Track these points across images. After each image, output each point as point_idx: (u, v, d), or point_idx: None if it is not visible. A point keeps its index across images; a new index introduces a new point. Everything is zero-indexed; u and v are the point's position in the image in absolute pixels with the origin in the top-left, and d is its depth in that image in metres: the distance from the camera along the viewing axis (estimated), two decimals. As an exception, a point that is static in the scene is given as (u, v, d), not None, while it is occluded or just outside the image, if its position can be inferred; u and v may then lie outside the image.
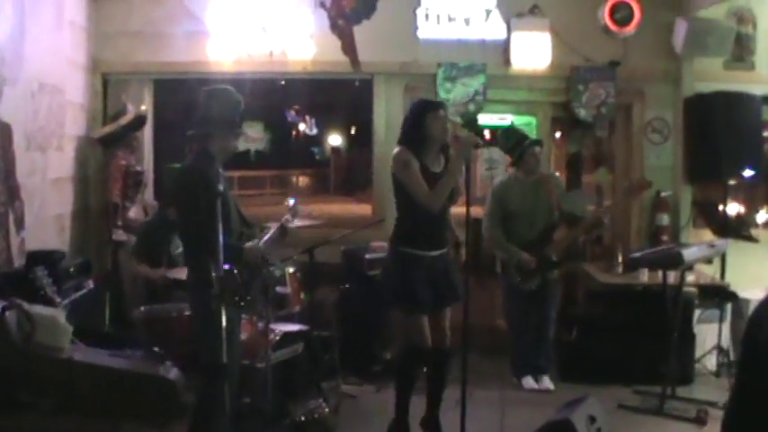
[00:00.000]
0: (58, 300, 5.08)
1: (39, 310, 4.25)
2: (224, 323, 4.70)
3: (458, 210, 5.68)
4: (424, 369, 5.81)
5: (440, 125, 5.57)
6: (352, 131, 32.59)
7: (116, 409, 3.93)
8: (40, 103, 6.53)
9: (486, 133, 8.36)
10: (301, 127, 9.64)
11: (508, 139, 7.29)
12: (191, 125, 5.23)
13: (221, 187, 4.87)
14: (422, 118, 5.58)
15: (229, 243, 4.85)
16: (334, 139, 35.17)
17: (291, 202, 5.79)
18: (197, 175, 4.97)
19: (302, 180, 35.97)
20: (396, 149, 5.66)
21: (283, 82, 9.41)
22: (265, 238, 5.36)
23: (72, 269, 6.06)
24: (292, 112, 9.67)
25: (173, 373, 4.13)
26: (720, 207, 8.10)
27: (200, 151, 5.15)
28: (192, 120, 5.22)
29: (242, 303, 4.96)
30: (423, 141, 5.57)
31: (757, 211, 8.87)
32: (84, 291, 6.08)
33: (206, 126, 5.13)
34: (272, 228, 5.50)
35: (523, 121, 8.34)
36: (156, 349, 5.39)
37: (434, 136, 5.56)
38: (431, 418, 5.78)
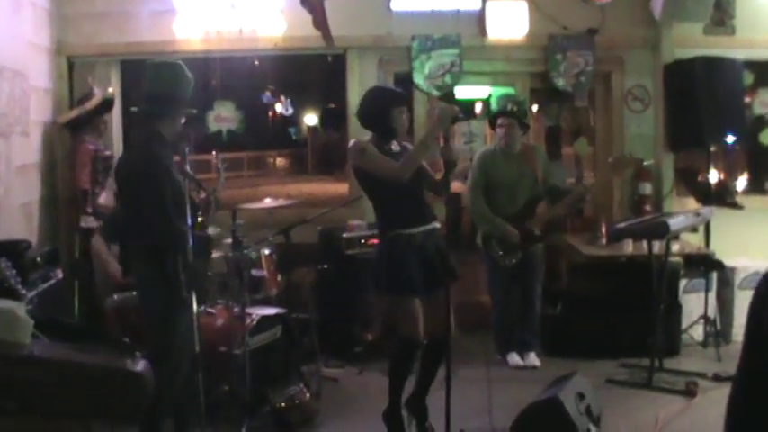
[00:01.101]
0: (23, 291, 4.89)
1: (-4, 303, 4.07)
2: (195, 311, 4.61)
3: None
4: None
5: (404, 120, 5.41)
6: (329, 110, 32.45)
7: (82, 407, 3.74)
8: (0, 89, 6.30)
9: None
10: (278, 108, 9.48)
11: (497, 102, 7.23)
12: (135, 102, 4.96)
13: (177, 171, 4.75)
14: (387, 111, 5.36)
15: (197, 233, 4.69)
16: (311, 119, 35.02)
17: (220, 164, 5.61)
18: (157, 163, 4.75)
19: (280, 161, 35.95)
20: (350, 142, 5.49)
21: (257, 62, 9.25)
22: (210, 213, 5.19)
23: (39, 259, 5.87)
24: (268, 94, 9.51)
25: (140, 365, 3.95)
26: (703, 175, 7.99)
27: (152, 134, 4.91)
28: (139, 96, 4.96)
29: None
30: (388, 132, 5.40)
31: (736, 178, 8.78)
32: (53, 281, 5.88)
33: (155, 105, 4.87)
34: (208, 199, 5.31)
35: (502, 93, 8.16)
36: (126, 340, 5.26)
37: (400, 130, 5.42)
38: (418, 401, 5.58)
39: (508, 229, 6.93)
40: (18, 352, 3.86)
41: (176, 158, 4.91)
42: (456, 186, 7.28)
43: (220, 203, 5.37)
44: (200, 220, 5.06)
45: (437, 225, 5.47)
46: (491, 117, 7.25)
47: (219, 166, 5.60)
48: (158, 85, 4.88)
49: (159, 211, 4.67)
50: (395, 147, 5.43)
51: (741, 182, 8.92)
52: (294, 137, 35.52)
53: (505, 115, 7.04)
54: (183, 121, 5.03)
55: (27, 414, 3.74)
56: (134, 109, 4.94)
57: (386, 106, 5.39)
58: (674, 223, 6.36)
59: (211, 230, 5.58)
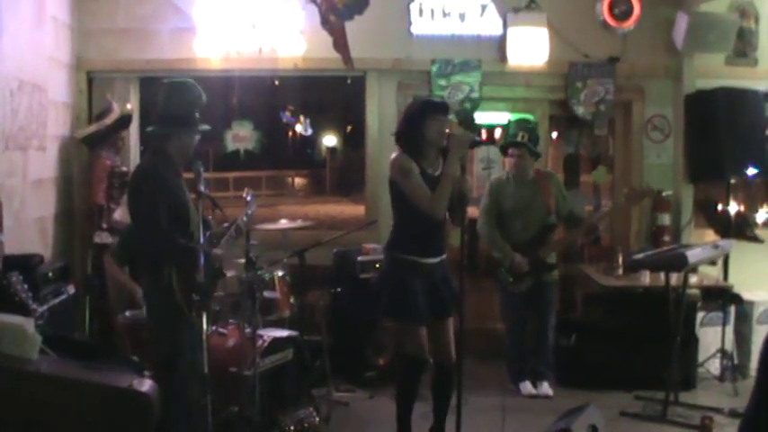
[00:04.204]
0: (34, 306, 4.87)
1: (4, 318, 4.03)
2: (204, 331, 4.58)
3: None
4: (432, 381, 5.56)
5: (439, 130, 5.32)
6: (348, 131, 32.50)
7: (85, 425, 3.72)
8: (19, 102, 6.30)
9: (483, 133, 8.23)
10: (298, 128, 9.46)
11: (511, 129, 7.18)
12: (150, 122, 5.08)
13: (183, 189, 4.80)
14: (421, 120, 5.33)
15: (194, 247, 4.67)
16: (329, 140, 35.05)
17: (248, 198, 5.63)
18: (152, 177, 4.80)
19: (298, 181, 35.96)
20: (393, 155, 5.41)
21: (277, 82, 9.23)
22: (222, 240, 5.19)
23: (51, 274, 5.85)
24: (287, 113, 9.49)
25: (146, 385, 3.92)
26: (722, 206, 7.92)
27: (157, 151, 4.97)
28: (152, 117, 5.07)
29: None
30: (420, 144, 5.34)
31: (756, 211, 8.69)
32: (64, 297, 5.87)
33: (165, 124, 4.95)
34: (228, 228, 5.35)
35: (515, 118, 8.11)
36: (136, 358, 5.22)
37: (433, 141, 5.33)
38: (437, 430, 5.54)
39: (516, 259, 6.87)
40: (24, 368, 3.84)
41: (190, 176, 4.92)
42: (473, 212, 7.24)
43: (242, 232, 5.41)
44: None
45: (445, 256, 5.48)
46: (502, 146, 7.22)
47: (249, 200, 5.63)
48: (168, 104, 4.97)
49: (152, 223, 4.71)
50: (437, 169, 5.37)
51: (761, 214, 8.81)
52: (313, 157, 35.54)
53: (516, 145, 7.00)
54: (196, 138, 5.05)
55: (31, 431, 3.71)
56: (148, 130, 5.03)
57: (420, 114, 5.37)
58: (693, 255, 6.28)
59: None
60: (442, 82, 7.89)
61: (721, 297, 7.35)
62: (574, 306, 8.04)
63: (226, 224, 5.39)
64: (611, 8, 7.80)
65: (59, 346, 4.45)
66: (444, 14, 7.87)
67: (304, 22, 7.81)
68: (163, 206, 4.72)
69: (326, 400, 6.41)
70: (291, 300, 6.50)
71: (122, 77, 7.95)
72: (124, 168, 7.38)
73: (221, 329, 5.92)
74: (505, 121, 8.50)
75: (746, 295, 7.47)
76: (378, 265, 7.02)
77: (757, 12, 8.07)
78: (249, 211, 5.56)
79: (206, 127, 5.08)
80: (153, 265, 4.76)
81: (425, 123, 5.31)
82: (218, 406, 5.15)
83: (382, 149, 7.84)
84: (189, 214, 4.82)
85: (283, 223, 6.85)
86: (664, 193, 7.63)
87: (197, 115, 4.98)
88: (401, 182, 5.29)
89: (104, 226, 7.08)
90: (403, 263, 5.34)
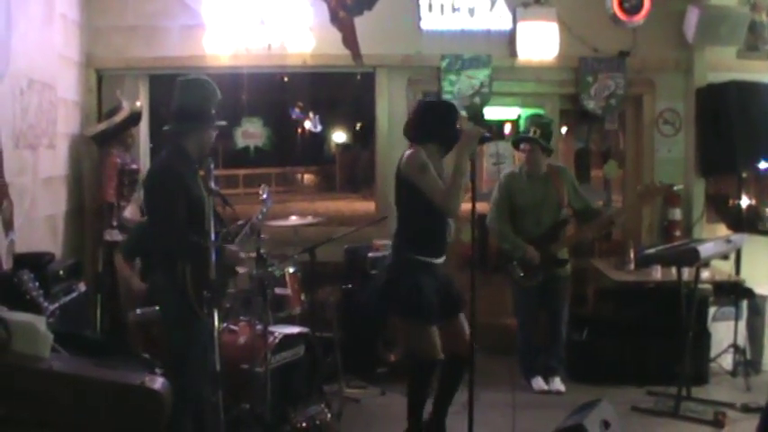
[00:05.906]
0: (45, 304, 4.87)
1: (16, 316, 4.03)
2: (216, 327, 4.58)
3: (464, 206, 5.44)
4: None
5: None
6: (358, 127, 32.47)
7: (98, 423, 3.72)
8: (29, 101, 6.31)
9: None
10: (307, 124, 9.46)
11: (523, 124, 7.19)
12: (166, 120, 5.08)
13: (200, 186, 4.82)
14: (455, 123, 5.36)
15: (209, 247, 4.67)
16: (339, 136, 35.01)
17: (264, 195, 5.63)
18: (170, 174, 4.82)
19: (308, 177, 35.98)
20: (409, 151, 5.38)
21: (286, 78, 9.25)
22: (237, 238, 5.20)
23: (61, 272, 5.86)
24: (296, 110, 9.50)
25: (158, 383, 3.92)
26: (733, 200, 7.88)
27: (174, 148, 4.96)
28: (168, 114, 5.07)
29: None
30: (451, 144, 5.34)
31: (767, 205, 8.66)
32: (75, 294, 5.87)
33: (181, 121, 4.95)
34: (243, 226, 5.38)
35: (529, 114, 8.09)
36: (147, 356, 5.22)
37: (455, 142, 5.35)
38: (437, 423, 5.53)
39: (528, 252, 6.85)
40: (37, 366, 3.84)
41: (201, 173, 4.93)
42: (483, 207, 7.22)
43: (255, 230, 5.42)
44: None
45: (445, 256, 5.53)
46: (514, 140, 7.21)
47: (265, 197, 5.63)
48: (183, 101, 4.98)
49: (169, 220, 4.73)
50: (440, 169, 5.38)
51: (772, 208, 8.79)
52: (323, 154, 35.52)
53: (527, 140, 6.97)
54: (214, 134, 5.06)
55: (43, 429, 3.72)
56: (165, 128, 5.03)
57: (455, 118, 5.42)
58: (704, 250, 6.26)
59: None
60: (452, 77, 7.87)
61: (733, 292, 7.31)
62: (586, 301, 8.03)
63: (240, 222, 5.39)
64: (621, 2, 7.75)
65: (71, 344, 4.47)
66: (454, 10, 7.84)
67: (313, 18, 7.80)
68: (181, 203, 4.73)
69: (338, 397, 6.41)
70: (302, 296, 6.49)
71: (132, 75, 7.96)
72: (134, 166, 7.39)
73: (232, 326, 5.93)
74: (515, 116, 8.49)
75: (759, 290, 7.44)
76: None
77: (768, 5, 8.03)
78: (264, 209, 5.56)
79: (222, 122, 5.10)
80: (167, 261, 4.77)
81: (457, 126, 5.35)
82: (229, 403, 5.17)
83: (392, 145, 7.81)
84: (205, 211, 4.82)
85: (294, 220, 6.84)
86: (675, 188, 7.59)
87: (213, 111, 4.99)
88: (419, 177, 5.23)
89: (114, 224, 7.09)
90: (416, 264, 5.31)
